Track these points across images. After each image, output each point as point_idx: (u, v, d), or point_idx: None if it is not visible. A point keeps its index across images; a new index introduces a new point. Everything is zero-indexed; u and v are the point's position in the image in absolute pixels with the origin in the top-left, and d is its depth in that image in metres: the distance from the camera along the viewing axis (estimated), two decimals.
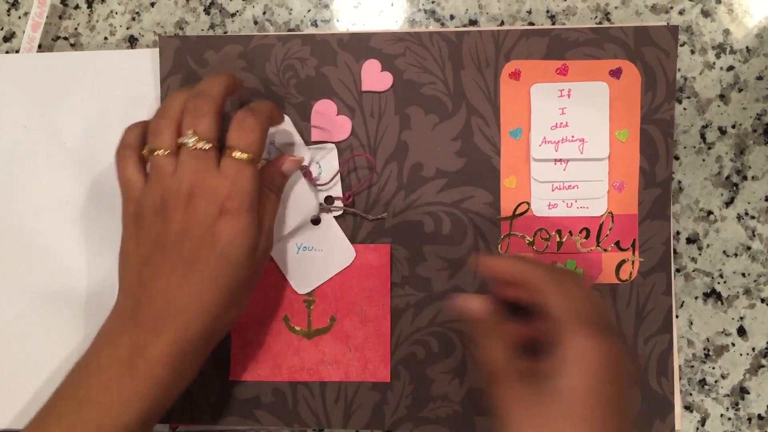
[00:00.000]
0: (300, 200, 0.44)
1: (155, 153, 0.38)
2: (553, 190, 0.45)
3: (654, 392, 0.44)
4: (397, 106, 0.45)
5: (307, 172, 0.45)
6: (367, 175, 0.45)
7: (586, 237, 0.45)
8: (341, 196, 0.45)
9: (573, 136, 0.44)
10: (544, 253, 0.45)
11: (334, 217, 0.45)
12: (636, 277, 0.44)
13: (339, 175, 0.45)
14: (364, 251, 0.45)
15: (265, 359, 0.45)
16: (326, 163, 0.45)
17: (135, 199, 0.39)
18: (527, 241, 0.45)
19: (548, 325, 0.34)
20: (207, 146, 0.37)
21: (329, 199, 0.45)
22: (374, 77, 0.45)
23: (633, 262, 0.45)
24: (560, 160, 0.45)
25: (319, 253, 0.45)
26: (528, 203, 0.45)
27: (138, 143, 0.39)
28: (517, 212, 0.45)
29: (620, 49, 0.45)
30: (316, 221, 0.45)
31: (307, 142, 0.46)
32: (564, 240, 0.45)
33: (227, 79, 0.39)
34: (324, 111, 0.46)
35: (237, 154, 0.37)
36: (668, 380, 0.44)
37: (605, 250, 0.45)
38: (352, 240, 0.45)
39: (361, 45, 0.45)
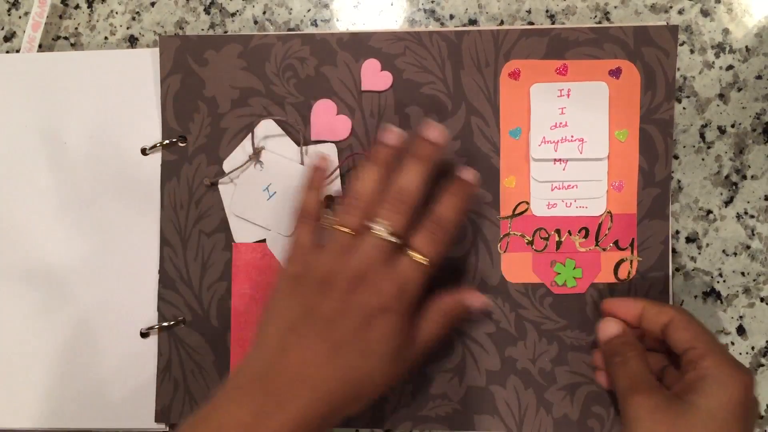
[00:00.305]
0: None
1: (340, 229, 0.38)
2: (552, 190, 0.45)
3: None
4: (397, 105, 0.45)
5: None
6: None
7: (585, 236, 0.45)
8: (341, 194, 0.45)
9: (572, 136, 0.44)
10: (543, 252, 0.45)
11: None
12: (634, 276, 0.45)
13: (338, 173, 0.45)
14: None
15: None
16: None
17: (302, 262, 0.39)
18: (526, 241, 0.45)
19: (686, 354, 0.38)
20: (394, 240, 0.38)
21: (329, 198, 0.45)
22: (374, 77, 0.45)
23: (631, 261, 0.45)
24: (560, 159, 0.45)
25: None
26: (527, 203, 0.45)
27: (318, 210, 0.41)
28: (517, 212, 0.45)
29: (620, 48, 0.45)
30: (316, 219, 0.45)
31: (307, 141, 0.46)
32: (563, 239, 0.45)
33: (425, 175, 0.39)
34: (324, 111, 0.46)
35: (417, 257, 0.38)
36: None
37: (604, 250, 0.45)
38: None
39: (361, 44, 0.45)
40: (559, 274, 0.45)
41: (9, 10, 0.51)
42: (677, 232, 0.46)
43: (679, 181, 0.46)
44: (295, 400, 0.36)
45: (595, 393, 0.44)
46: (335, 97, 0.46)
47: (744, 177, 0.46)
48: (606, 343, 0.41)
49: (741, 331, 0.46)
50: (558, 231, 0.45)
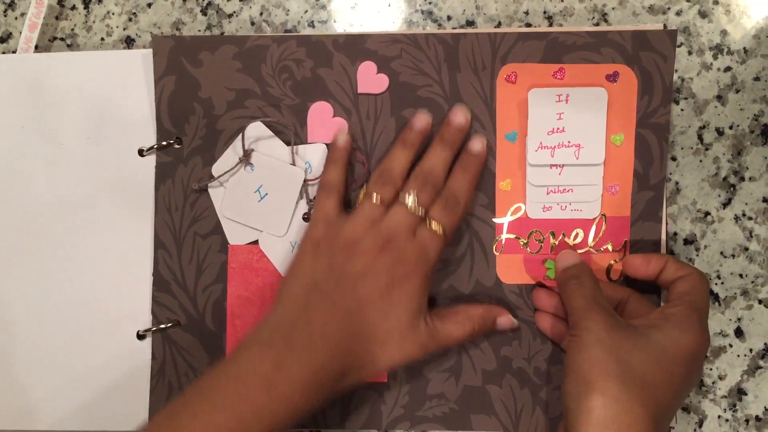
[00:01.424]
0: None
1: (372, 198, 0.41)
2: (548, 194, 0.45)
3: None
4: (393, 108, 0.45)
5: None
6: (360, 175, 0.45)
7: (579, 238, 0.45)
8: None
9: (569, 142, 0.44)
10: (538, 254, 0.45)
11: None
12: (626, 277, 0.44)
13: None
14: None
15: None
16: (317, 162, 0.45)
17: (326, 224, 0.41)
18: (521, 243, 0.45)
19: (668, 297, 0.40)
20: (420, 212, 0.41)
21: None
22: (370, 79, 0.45)
23: (621, 262, 0.45)
24: (556, 165, 0.45)
25: None
26: (523, 205, 0.45)
27: (341, 183, 0.43)
28: (512, 214, 0.45)
29: (617, 53, 0.44)
30: (306, 218, 0.45)
31: (298, 141, 0.46)
32: (557, 241, 0.45)
33: (450, 158, 0.43)
34: (320, 113, 0.46)
35: (434, 225, 0.41)
36: None
37: (597, 251, 0.45)
38: None
39: (357, 47, 0.45)
40: (549, 269, 0.45)
41: (5, 11, 0.50)
42: (675, 233, 0.46)
43: (677, 183, 0.46)
44: (316, 353, 0.37)
45: None
46: (331, 100, 0.46)
47: (742, 179, 0.46)
48: (563, 270, 0.41)
49: (739, 333, 0.45)
50: (552, 233, 0.45)
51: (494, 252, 0.45)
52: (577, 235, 0.45)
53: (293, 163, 0.45)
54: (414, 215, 0.41)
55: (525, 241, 0.45)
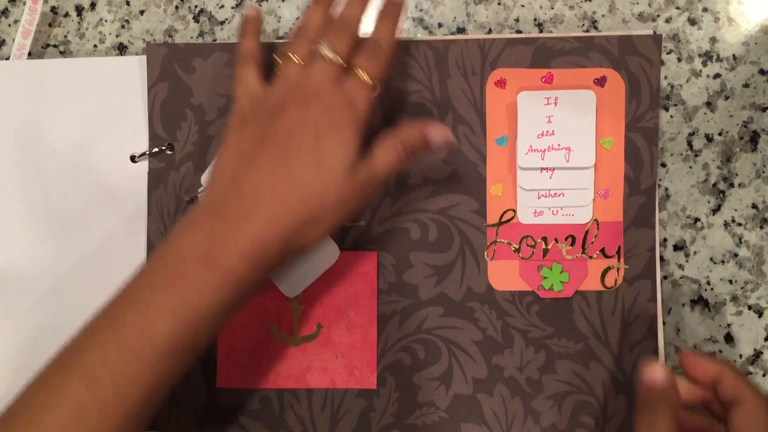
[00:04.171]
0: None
1: (290, 59, 0.39)
2: (539, 198, 0.45)
3: None
4: (384, 113, 0.45)
5: None
6: None
7: (572, 244, 0.45)
8: None
9: (559, 145, 0.44)
10: (530, 259, 0.45)
11: None
12: (621, 284, 0.45)
13: None
14: (351, 258, 0.45)
15: (251, 366, 0.45)
16: None
17: (250, 98, 0.40)
18: (513, 248, 0.45)
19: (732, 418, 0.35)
20: (338, 60, 0.39)
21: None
22: None
23: (618, 269, 0.45)
24: (546, 168, 0.45)
25: (303, 255, 0.45)
26: (514, 210, 0.45)
27: (257, 53, 0.41)
28: (503, 219, 0.45)
29: (604, 57, 0.45)
30: None
31: None
32: (549, 247, 0.45)
33: (366, 5, 0.41)
34: None
35: (361, 74, 0.39)
36: None
37: (591, 257, 0.45)
38: (339, 247, 0.45)
39: None
40: (545, 278, 0.45)
41: None
42: (665, 240, 0.46)
43: (666, 189, 0.46)
44: (251, 221, 0.36)
45: (583, 402, 0.44)
46: None
47: (731, 185, 0.46)
48: (645, 389, 0.36)
49: (729, 339, 0.46)
50: (545, 239, 0.45)
51: (486, 258, 0.45)
52: (569, 240, 0.45)
53: None
54: (335, 64, 0.39)
55: (517, 247, 0.45)
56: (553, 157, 0.44)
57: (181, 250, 0.36)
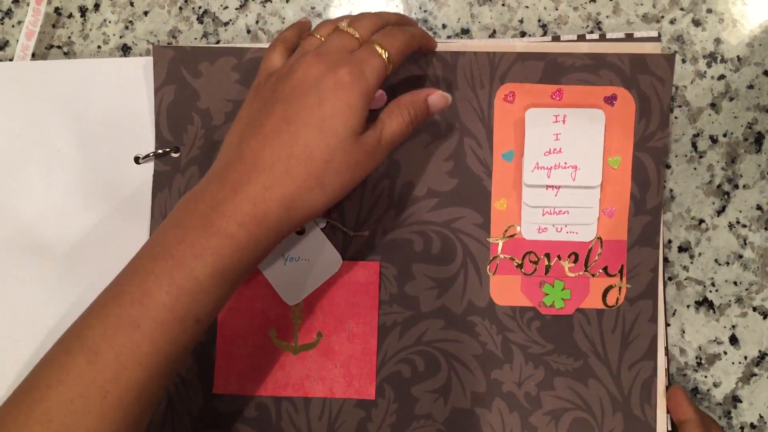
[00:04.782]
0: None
1: (312, 35, 0.40)
2: (543, 215, 0.45)
3: (636, 419, 0.44)
4: None
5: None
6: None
7: (575, 261, 0.45)
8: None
9: (566, 163, 0.44)
10: (533, 276, 0.45)
11: (322, 230, 0.45)
12: (623, 303, 0.44)
13: None
14: (353, 268, 0.45)
15: (249, 373, 0.45)
16: None
17: (268, 71, 0.40)
18: (516, 264, 0.45)
19: None
20: (355, 34, 0.39)
21: None
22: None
23: (620, 288, 0.44)
24: (552, 186, 0.44)
25: (305, 263, 0.45)
26: (518, 226, 0.45)
27: (293, 41, 0.42)
28: (507, 234, 0.45)
29: (616, 75, 0.44)
30: (300, 231, 0.45)
31: None
32: (552, 264, 0.45)
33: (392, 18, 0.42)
34: None
35: (375, 46, 0.38)
36: (651, 407, 0.44)
37: (593, 275, 0.44)
38: (341, 256, 0.45)
39: None
40: (547, 294, 0.44)
41: (2, 18, 0.51)
42: (669, 241, 0.46)
43: (671, 191, 0.46)
44: (249, 185, 0.35)
45: (580, 419, 0.44)
46: None
47: (736, 186, 0.46)
48: (679, 422, 0.43)
49: (734, 340, 0.46)
50: (548, 255, 0.45)
51: (488, 272, 0.45)
52: (572, 257, 0.45)
53: None
54: (352, 37, 0.38)
55: (519, 262, 0.45)
56: (559, 175, 0.44)
57: (182, 219, 0.35)
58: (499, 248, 0.45)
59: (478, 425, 0.44)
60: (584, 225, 0.44)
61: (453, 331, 0.45)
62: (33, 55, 0.49)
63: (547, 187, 0.44)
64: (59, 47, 0.50)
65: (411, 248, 0.45)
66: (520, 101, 0.45)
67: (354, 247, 0.45)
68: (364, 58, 0.37)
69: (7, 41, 0.51)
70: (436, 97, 0.40)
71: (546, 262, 0.45)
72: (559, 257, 0.44)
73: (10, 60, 0.49)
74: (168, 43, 0.49)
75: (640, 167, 0.44)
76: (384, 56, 0.38)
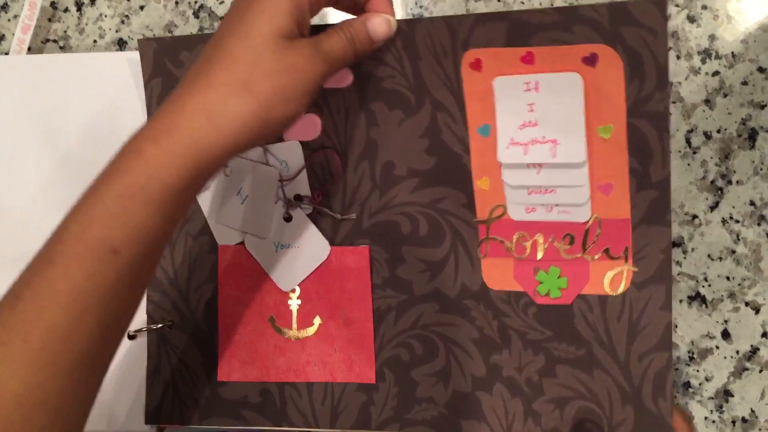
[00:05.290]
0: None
1: None
2: (529, 194, 0.40)
3: (649, 412, 0.40)
4: (361, 101, 0.43)
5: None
6: (335, 173, 0.44)
7: (571, 243, 0.41)
8: (309, 194, 0.45)
9: (544, 137, 0.39)
10: (525, 259, 0.42)
11: (308, 216, 0.45)
12: (629, 288, 0.40)
13: (305, 171, 0.44)
14: (343, 253, 0.45)
15: (252, 360, 0.46)
16: (292, 161, 0.45)
17: None
18: (507, 246, 0.42)
19: None
20: None
21: (298, 197, 0.45)
22: (337, 74, 0.42)
23: (625, 272, 0.40)
24: (533, 164, 0.40)
25: (296, 250, 0.45)
26: (504, 206, 0.41)
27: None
28: (493, 215, 0.42)
29: (593, 31, 0.38)
30: (288, 218, 0.45)
31: (279, 141, 0.45)
32: (546, 246, 0.41)
33: None
34: None
35: None
36: (665, 401, 0.40)
37: (593, 258, 0.41)
38: (331, 242, 0.45)
39: None
40: (541, 283, 0.41)
41: None
42: None
43: None
44: (169, 99, 0.34)
45: (586, 409, 0.42)
46: None
47: (729, 182, 0.46)
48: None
49: (726, 335, 0.46)
50: (540, 237, 0.41)
51: (479, 255, 0.43)
52: (567, 239, 0.40)
53: (267, 163, 0.45)
54: None
55: (510, 245, 0.41)
56: (537, 151, 0.39)
57: (127, 143, 0.34)
58: (488, 230, 0.42)
59: (480, 409, 0.43)
60: (575, 205, 0.40)
61: (448, 315, 0.44)
62: (29, 49, 0.49)
63: (528, 165, 0.39)
64: (55, 41, 0.50)
65: (398, 231, 0.44)
66: (488, 69, 0.39)
67: (343, 231, 0.45)
68: None
69: (3, 35, 0.51)
70: (377, 21, 0.38)
71: (539, 244, 0.41)
72: (553, 239, 0.40)
73: (6, 54, 0.49)
74: (152, 37, 0.49)
75: (637, 136, 0.38)
76: None
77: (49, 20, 0.50)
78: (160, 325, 0.46)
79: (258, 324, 0.46)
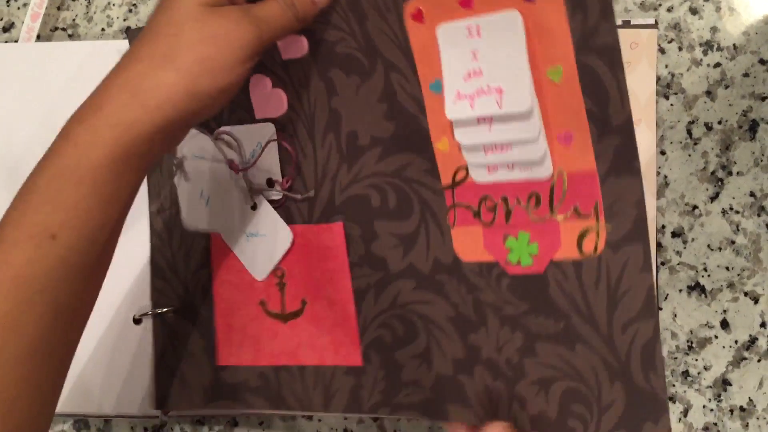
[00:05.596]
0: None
1: None
2: (486, 154, 0.36)
3: (641, 389, 0.36)
4: (319, 71, 0.41)
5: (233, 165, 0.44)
6: (288, 165, 0.43)
7: (537, 204, 0.36)
8: (280, 179, 0.43)
9: (489, 86, 0.35)
10: (493, 225, 0.37)
11: (278, 200, 0.44)
12: (603, 249, 0.36)
13: (275, 153, 0.43)
14: (319, 232, 0.43)
15: (247, 344, 0.45)
16: (260, 143, 0.44)
17: None
18: (473, 212, 0.38)
19: None
20: None
21: (270, 182, 0.43)
22: (291, 43, 0.42)
23: (598, 231, 0.36)
24: (483, 118, 0.35)
25: (264, 238, 0.44)
26: (466, 168, 0.37)
27: None
28: (457, 179, 0.38)
29: None
30: (254, 207, 0.44)
31: (254, 119, 0.44)
32: (512, 209, 0.37)
33: None
34: (258, 86, 0.43)
35: None
36: (657, 375, 0.36)
37: (563, 219, 0.36)
38: (308, 221, 0.43)
39: None
40: (511, 250, 0.38)
41: (8, 1, 0.51)
42: (663, 226, 0.47)
43: (665, 177, 0.47)
44: (100, 85, 0.34)
45: (572, 390, 0.38)
46: (267, 71, 0.42)
47: (730, 173, 0.47)
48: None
49: (725, 324, 0.46)
50: (505, 199, 0.37)
51: (448, 224, 0.39)
52: (533, 199, 0.36)
53: (224, 154, 0.43)
54: None
55: (476, 210, 0.38)
56: (483, 103, 0.35)
57: (62, 127, 0.34)
58: (453, 196, 0.38)
59: (463, 394, 0.40)
60: (533, 161, 0.36)
61: (424, 292, 0.40)
62: (38, 37, 0.49)
63: (478, 120, 0.36)
64: (64, 29, 0.51)
65: (369, 204, 0.41)
66: (430, 18, 0.36)
67: (318, 209, 0.43)
68: None
69: (13, 23, 0.51)
70: None
71: (505, 208, 0.37)
72: (518, 200, 0.36)
73: (15, 41, 0.50)
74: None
75: (590, 75, 0.34)
76: None
77: (58, 8, 0.51)
78: (161, 311, 0.46)
79: (251, 308, 0.45)
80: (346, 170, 0.41)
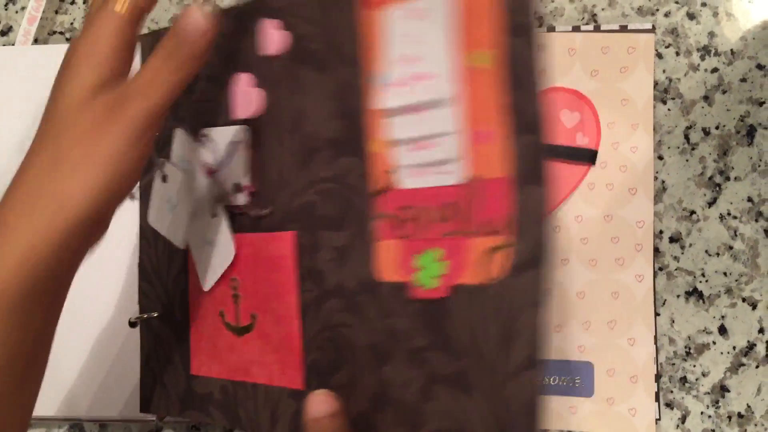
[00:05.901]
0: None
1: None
2: (416, 150, 0.32)
3: None
4: (288, 68, 0.38)
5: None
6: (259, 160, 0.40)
7: (452, 215, 0.31)
8: (248, 183, 0.40)
9: (417, 72, 0.32)
10: (409, 239, 0.32)
11: (244, 205, 0.41)
12: (509, 273, 0.29)
13: (243, 158, 0.40)
14: (268, 241, 0.39)
15: (212, 355, 0.43)
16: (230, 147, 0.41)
17: None
18: (393, 223, 0.33)
19: None
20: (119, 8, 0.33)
21: (237, 187, 0.40)
22: (269, 39, 0.39)
23: (505, 250, 0.29)
24: (408, 107, 0.32)
25: (215, 249, 0.42)
26: (392, 172, 0.33)
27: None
28: (382, 186, 0.33)
29: None
30: (214, 215, 0.42)
31: (236, 121, 0.41)
32: (426, 220, 0.32)
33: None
34: (240, 85, 0.40)
35: (112, 5, 0.33)
36: None
37: (475, 235, 0.30)
38: (265, 229, 0.40)
39: (258, 8, 0.39)
40: (419, 270, 0.32)
41: (6, 4, 0.51)
42: (661, 231, 0.47)
43: (663, 182, 0.47)
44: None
45: None
46: (244, 69, 0.40)
47: (727, 178, 0.46)
48: (312, 421, 0.33)
49: (722, 330, 0.46)
50: (425, 209, 0.32)
51: (372, 237, 0.34)
52: (450, 209, 0.31)
53: (199, 160, 0.41)
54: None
55: (397, 221, 0.33)
56: (406, 92, 0.32)
57: None
58: (378, 204, 0.34)
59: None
60: (450, 161, 0.31)
61: (347, 315, 0.35)
62: (35, 40, 0.49)
63: (404, 110, 0.32)
64: (62, 33, 0.51)
65: (316, 212, 0.37)
66: (377, 3, 0.33)
67: (277, 217, 0.39)
68: (96, 19, 0.34)
69: (10, 27, 0.51)
70: (188, 21, 0.33)
71: (420, 219, 0.32)
72: (433, 210, 0.32)
73: (13, 45, 0.50)
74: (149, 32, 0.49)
75: (518, 61, 0.29)
76: (115, 12, 0.33)
77: (56, 12, 0.51)
78: (145, 315, 0.46)
79: (214, 318, 0.42)
80: (299, 175, 0.38)
